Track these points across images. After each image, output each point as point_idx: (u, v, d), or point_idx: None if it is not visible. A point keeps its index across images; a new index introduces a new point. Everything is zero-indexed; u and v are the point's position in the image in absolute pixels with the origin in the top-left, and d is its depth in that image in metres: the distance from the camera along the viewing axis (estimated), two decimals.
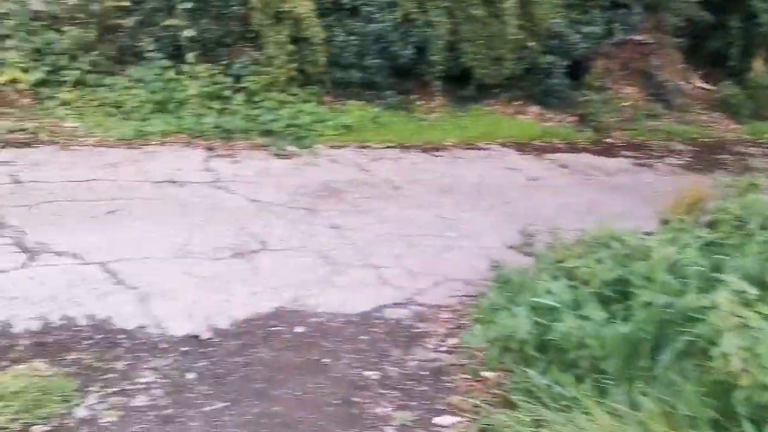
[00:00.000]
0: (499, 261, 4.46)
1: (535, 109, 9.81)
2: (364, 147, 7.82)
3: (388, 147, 7.93)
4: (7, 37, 7.56)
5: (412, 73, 9.15)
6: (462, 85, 9.47)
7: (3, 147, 6.52)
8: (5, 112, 7.21)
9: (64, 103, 7.49)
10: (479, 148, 8.24)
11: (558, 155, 8.16)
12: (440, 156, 7.81)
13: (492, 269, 4.35)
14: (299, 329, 3.83)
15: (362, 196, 6.19)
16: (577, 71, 9.91)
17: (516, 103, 9.86)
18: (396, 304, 4.22)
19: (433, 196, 6.39)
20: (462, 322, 3.97)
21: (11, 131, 6.83)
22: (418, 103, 9.25)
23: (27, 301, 3.85)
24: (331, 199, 6.06)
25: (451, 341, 3.76)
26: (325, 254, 4.87)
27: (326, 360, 3.54)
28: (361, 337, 3.80)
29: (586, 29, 9.59)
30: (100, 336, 3.57)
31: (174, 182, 6.05)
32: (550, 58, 9.46)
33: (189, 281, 4.27)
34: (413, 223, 5.64)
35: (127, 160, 6.50)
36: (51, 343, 3.47)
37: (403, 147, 7.96)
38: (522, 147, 8.45)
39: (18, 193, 5.42)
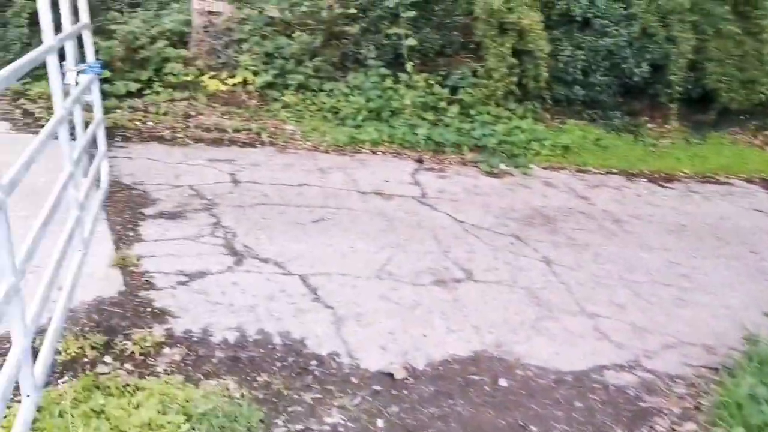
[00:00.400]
0: (755, 332, 3.63)
1: None
2: (582, 171, 7.13)
3: (609, 173, 7.17)
4: (243, 41, 7.90)
5: (644, 93, 8.25)
6: (700, 109, 8.39)
7: (228, 146, 6.76)
8: (235, 112, 7.52)
9: (286, 106, 7.67)
10: (718, 183, 7.17)
11: None
12: (671, 188, 6.88)
13: (745, 342, 3.55)
14: (502, 382, 3.36)
15: (578, 228, 5.56)
16: None
17: (765, 132, 8.54)
18: (618, 367, 3.59)
19: (662, 235, 5.57)
20: (701, 402, 3.25)
21: (237, 130, 7.08)
22: (648, 126, 8.31)
23: (228, 308, 3.77)
24: (542, 227, 5.50)
25: (688, 427, 3.06)
26: (534, 293, 4.34)
27: (533, 428, 3.03)
28: (576, 404, 3.24)
29: None
30: (292, 359, 3.37)
31: (381, 194, 5.85)
32: None
33: (386, 307, 3.97)
34: (638, 266, 4.91)
35: (337, 167, 6.44)
36: (244, 359, 3.33)
37: (628, 174, 7.15)
38: None
39: (235, 192, 5.52)
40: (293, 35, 7.87)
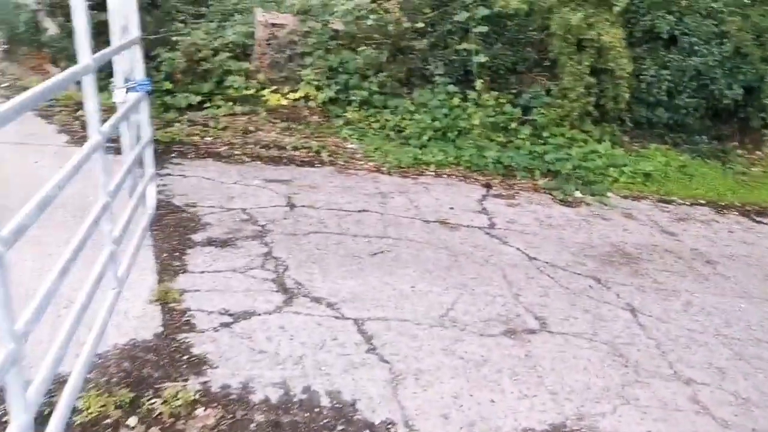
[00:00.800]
0: None
1: None
2: (666, 201, 6.46)
3: (696, 204, 6.48)
4: (307, 54, 7.54)
5: (734, 117, 7.49)
6: None
7: (286, 164, 6.38)
8: (295, 128, 7.16)
9: (348, 123, 7.26)
10: None
11: None
12: (766, 224, 6.14)
13: None
14: None
15: (664, 270, 4.92)
16: None
17: None
18: None
19: (761, 281, 4.88)
20: None
21: (296, 148, 6.71)
22: (737, 152, 7.55)
23: (273, 359, 3.33)
24: (624, 268, 4.89)
25: None
26: (618, 349, 3.75)
27: None
28: None
29: None
30: (341, 427, 2.90)
31: (445, 223, 5.35)
32: None
33: (450, 363, 3.46)
34: (736, 319, 4.25)
35: (400, 190, 5.97)
36: (286, 426, 2.87)
37: (717, 206, 6.44)
38: None
39: (290, 218, 5.11)
40: (358, 50, 7.46)
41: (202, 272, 4.16)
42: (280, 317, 3.72)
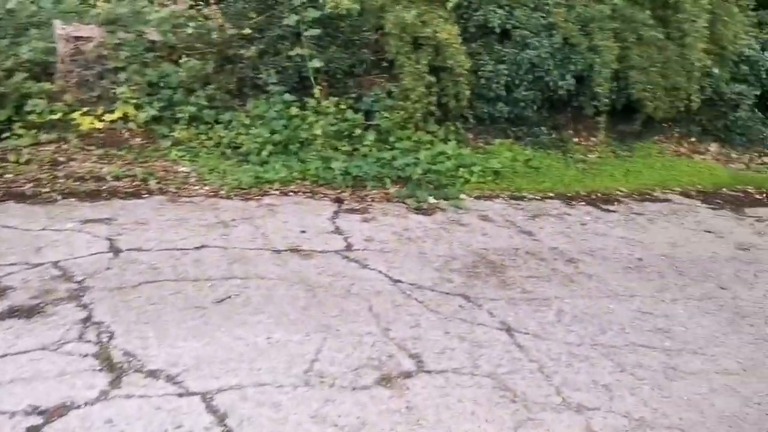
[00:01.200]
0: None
1: (714, 147, 7.96)
2: (518, 198, 6.32)
3: (546, 197, 6.40)
4: (121, 69, 6.58)
5: (568, 106, 7.55)
6: (624, 119, 7.79)
7: (107, 198, 5.47)
8: (115, 154, 6.23)
9: (177, 144, 6.44)
10: (657, 200, 6.55)
11: (762, 211, 6.31)
12: (613, 211, 6.17)
13: None
14: None
15: (530, 275, 4.68)
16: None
17: (690, 140, 8.05)
18: None
19: (622, 275, 4.79)
20: None
21: (118, 177, 5.81)
22: (575, 140, 7.63)
23: None
24: (491, 279, 4.58)
25: None
26: (504, 382, 3.38)
27: None
28: None
29: None
30: None
31: (298, 251, 4.77)
32: (738, 87, 7.59)
33: None
34: (608, 323, 4.07)
35: (243, 216, 5.31)
36: None
37: (565, 198, 6.39)
38: (710, 198, 6.70)
39: (114, 268, 4.28)
40: (180, 61, 6.63)
41: (3, 356, 3.28)
42: (106, 406, 2.96)
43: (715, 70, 7.50)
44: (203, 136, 6.57)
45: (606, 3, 7.14)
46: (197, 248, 4.65)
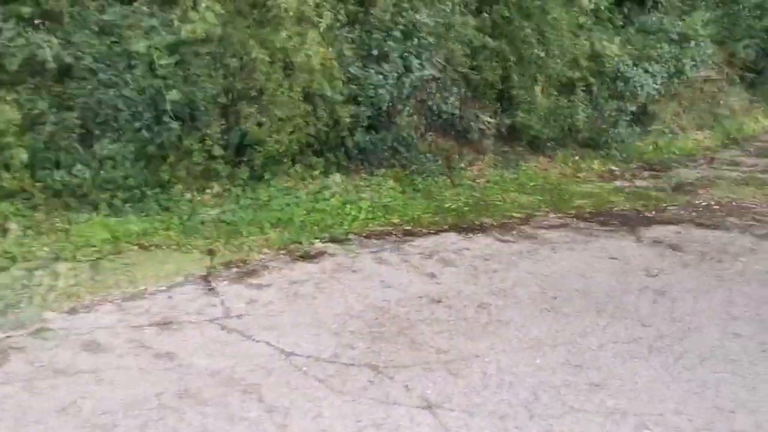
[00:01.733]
0: None
1: (596, 164, 7.84)
2: (411, 234, 5.73)
3: (440, 230, 5.85)
4: None
5: (454, 130, 7.12)
6: (508, 141, 7.50)
7: None
8: None
9: (8, 195, 5.27)
10: (556, 226, 6.18)
11: (658, 231, 6.10)
12: (513, 242, 5.72)
13: None
14: None
15: (441, 330, 4.06)
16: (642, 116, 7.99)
17: (573, 158, 7.89)
18: None
19: (540, 320, 4.27)
20: None
21: None
22: (461, 165, 7.20)
23: None
24: (399, 339, 3.91)
25: None
26: None
27: None
28: None
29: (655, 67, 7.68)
30: None
31: (164, 324, 3.86)
32: (613, 103, 7.51)
33: None
34: (542, 385, 3.49)
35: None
36: None
37: (461, 230, 5.89)
38: (605, 219, 6.42)
39: None
40: (7, 98, 5.46)
41: None
42: None
43: (593, 89, 7.36)
44: (39, 184, 5.44)
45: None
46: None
